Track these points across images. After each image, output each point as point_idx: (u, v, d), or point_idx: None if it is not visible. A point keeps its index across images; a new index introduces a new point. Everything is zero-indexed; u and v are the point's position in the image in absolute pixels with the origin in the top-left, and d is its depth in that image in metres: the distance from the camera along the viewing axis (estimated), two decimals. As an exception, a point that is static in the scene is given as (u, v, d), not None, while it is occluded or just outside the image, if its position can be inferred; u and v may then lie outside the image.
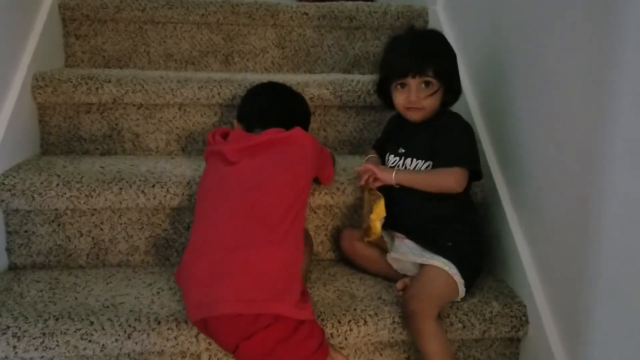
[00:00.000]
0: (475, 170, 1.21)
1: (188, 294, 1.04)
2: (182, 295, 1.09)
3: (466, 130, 1.22)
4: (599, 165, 0.96)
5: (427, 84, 1.19)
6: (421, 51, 1.20)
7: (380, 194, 1.21)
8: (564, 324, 1.07)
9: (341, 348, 1.15)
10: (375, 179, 1.21)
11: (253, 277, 0.99)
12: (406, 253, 1.21)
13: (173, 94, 1.47)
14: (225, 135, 1.21)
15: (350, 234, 1.31)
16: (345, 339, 1.11)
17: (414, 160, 1.23)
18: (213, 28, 1.77)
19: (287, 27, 1.80)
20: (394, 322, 1.12)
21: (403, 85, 1.21)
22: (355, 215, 1.36)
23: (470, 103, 1.48)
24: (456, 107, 1.57)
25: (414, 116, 1.23)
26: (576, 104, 1.02)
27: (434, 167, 1.20)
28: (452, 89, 1.23)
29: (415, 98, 1.19)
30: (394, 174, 1.19)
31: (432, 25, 1.79)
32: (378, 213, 1.20)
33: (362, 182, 1.23)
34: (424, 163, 1.21)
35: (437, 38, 1.26)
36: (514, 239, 1.23)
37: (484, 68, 1.44)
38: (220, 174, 1.13)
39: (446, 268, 1.14)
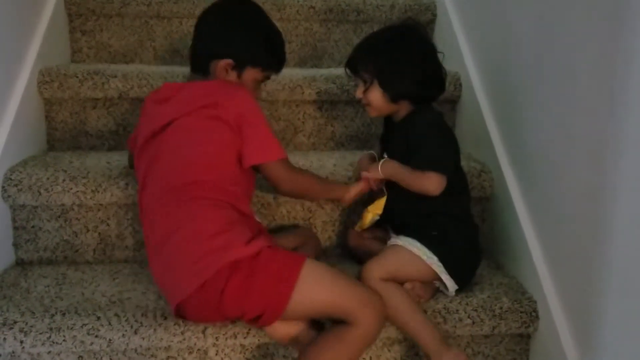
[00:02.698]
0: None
1: (161, 291, 1.08)
2: None
3: (433, 129, 1.20)
4: (611, 159, 0.94)
5: (364, 81, 1.21)
6: (353, 52, 1.24)
7: (385, 193, 1.21)
8: (575, 319, 1.06)
9: (349, 344, 1.14)
10: (367, 178, 1.23)
11: (196, 247, 1.00)
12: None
13: (179, 89, 1.46)
14: None
15: (358, 233, 1.30)
16: (353, 334, 1.10)
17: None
18: (219, 23, 1.76)
19: (294, 22, 1.79)
20: (402, 317, 1.11)
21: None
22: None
23: (479, 95, 1.46)
24: (464, 100, 1.57)
25: (369, 113, 1.25)
26: (587, 96, 1.01)
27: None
28: (388, 85, 1.19)
29: (358, 94, 1.22)
30: (380, 168, 1.20)
31: (440, 18, 1.77)
32: (376, 207, 1.21)
33: (368, 189, 1.25)
34: None
35: (378, 36, 1.25)
36: (523, 233, 1.21)
37: (493, 60, 1.43)
38: (144, 158, 1.13)
39: (419, 253, 1.13)
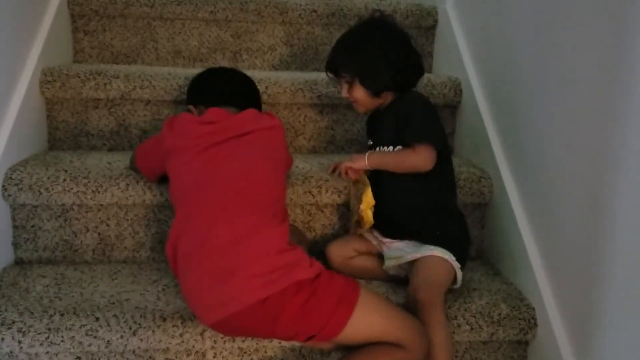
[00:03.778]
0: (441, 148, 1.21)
1: (197, 299, 1.02)
2: (187, 304, 1.07)
3: (421, 105, 1.24)
4: (611, 165, 0.95)
5: (346, 80, 1.26)
6: (331, 54, 1.28)
7: (367, 182, 1.22)
8: (574, 327, 1.06)
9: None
10: (350, 169, 1.26)
11: (264, 261, 0.99)
12: (400, 256, 1.19)
13: (181, 91, 1.46)
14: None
15: (340, 251, 1.26)
16: (352, 339, 1.10)
17: (382, 148, 1.25)
18: (222, 25, 1.77)
19: (296, 25, 1.80)
20: (400, 322, 1.11)
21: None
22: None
23: (479, 101, 1.46)
24: (464, 106, 1.57)
25: (357, 109, 1.30)
26: (588, 102, 1.01)
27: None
28: (368, 82, 1.23)
29: (344, 94, 1.27)
30: (366, 158, 1.24)
31: (441, 24, 1.78)
32: (367, 202, 1.21)
33: (337, 174, 1.29)
34: (394, 148, 1.23)
35: (351, 35, 1.28)
36: (522, 239, 1.21)
37: (494, 66, 1.43)
38: (198, 166, 1.09)
39: (446, 257, 1.14)
